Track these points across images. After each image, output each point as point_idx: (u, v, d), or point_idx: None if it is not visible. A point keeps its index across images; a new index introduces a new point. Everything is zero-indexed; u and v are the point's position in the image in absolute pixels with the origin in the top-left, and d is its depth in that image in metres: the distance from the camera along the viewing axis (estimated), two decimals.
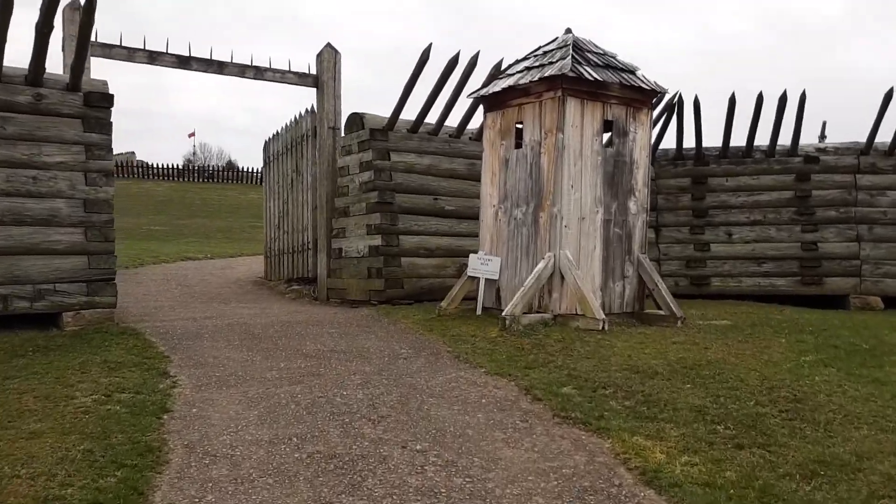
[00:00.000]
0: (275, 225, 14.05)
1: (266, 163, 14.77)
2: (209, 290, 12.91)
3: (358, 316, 9.25)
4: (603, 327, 7.60)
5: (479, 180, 10.92)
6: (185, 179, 47.68)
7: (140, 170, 47.73)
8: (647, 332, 7.75)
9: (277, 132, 13.95)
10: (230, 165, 58.75)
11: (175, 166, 48.00)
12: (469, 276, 8.88)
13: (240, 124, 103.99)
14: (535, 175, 8.29)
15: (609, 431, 4.78)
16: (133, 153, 52.91)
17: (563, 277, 8.02)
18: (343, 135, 11.24)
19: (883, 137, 12.49)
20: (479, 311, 8.80)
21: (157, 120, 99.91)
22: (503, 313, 7.76)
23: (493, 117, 8.92)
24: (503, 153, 8.74)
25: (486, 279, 8.79)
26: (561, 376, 6.08)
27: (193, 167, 51.76)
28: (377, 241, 10.24)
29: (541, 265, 8.00)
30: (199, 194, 42.17)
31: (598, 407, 5.28)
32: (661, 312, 8.55)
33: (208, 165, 54.05)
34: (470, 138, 11.40)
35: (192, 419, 4.95)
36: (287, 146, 13.23)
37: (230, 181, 48.44)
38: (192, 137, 75.46)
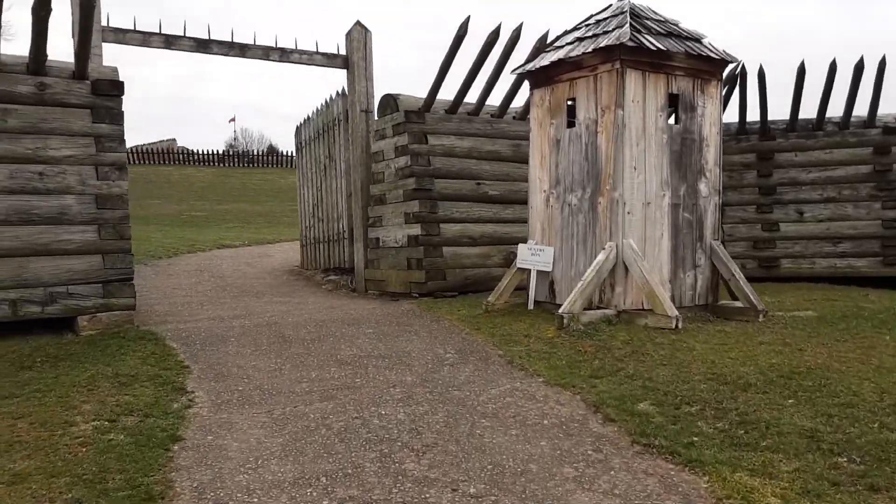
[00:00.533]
0: (309, 213, 13.36)
1: (298, 149, 14.06)
2: (243, 281, 12.28)
3: (398, 312, 8.48)
4: (676, 325, 6.70)
5: (524, 163, 10.04)
6: (227, 165, 47.64)
7: (182, 156, 47.79)
8: (727, 330, 6.82)
9: (309, 117, 13.21)
10: (271, 150, 58.66)
11: (216, 152, 47.93)
12: (518, 268, 8.03)
13: (281, 109, 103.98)
14: (591, 157, 7.37)
15: (703, 465, 3.92)
16: (174, 140, 53.08)
17: (626, 269, 7.11)
18: (376, 118, 10.44)
19: None
20: (530, 306, 7.96)
21: (199, 106, 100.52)
22: (560, 310, 6.90)
23: (541, 94, 8.01)
24: (553, 133, 7.84)
25: (538, 271, 7.93)
26: (634, 388, 5.23)
27: (234, 152, 51.71)
28: (416, 230, 9.44)
29: (601, 256, 7.11)
30: (239, 179, 41.99)
31: (686, 430, 4.42)
32: (738, 304, 7.60)
33: (249, 150, 53.97)
34: (514, 118, 10.50)
35: (206, 450, 4.22)
36: (318, 131, 12.48)
37: (271, 165, 48.29)
38: (233, 123, 75.67)
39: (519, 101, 10.41)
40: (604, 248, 7.16)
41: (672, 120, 7.52)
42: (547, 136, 7.91)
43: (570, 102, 7.71)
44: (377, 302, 9.53)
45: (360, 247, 10.63)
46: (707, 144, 7.62)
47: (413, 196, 9.50)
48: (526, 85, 8.51)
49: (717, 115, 7.71)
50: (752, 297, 7.40)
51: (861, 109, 11.72)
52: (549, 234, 7.91)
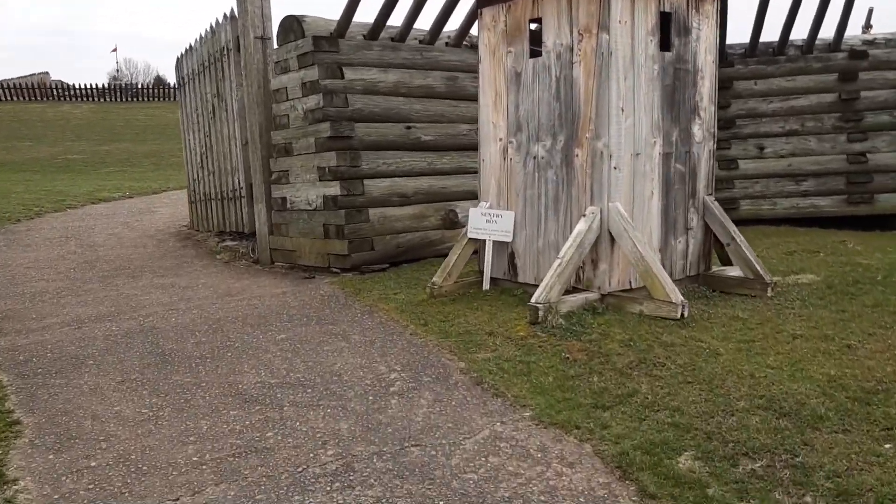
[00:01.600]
0: (197, 164, 11.15)
1: (180, 85, 11.70)
2: (118, 252, 10.09)
3: (316, 298, 6.70)
4: (682, 314, 5.24)
5: (462, 100, 8.28)
6: (108, 100, 43.51)
7: (56, 91, 43.20)
8: (741, 316, 5.41)
9: (191, 46, 10.86)
10: (158, 82, 54.26)
11: (95, 86, 43.55)
12: (470, 238, 6.36)
13: (170, 36, 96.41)
14: (564, 96, 5.68)
15: None
16: (47, 73, 48.12)
17: (612, 241, 5.56)
18: (276, 47, 8.32)
19: None
20: (486, 286, 6.35)
21: (77, 38, 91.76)
22: (532, 299, 5.31)
23: (494, 14, 6.19)
24: (511, 65, 6.07)
25: (495, 242, 6.29)
26: (662, 427, 3.74)
27: (116, 86, 47.24)
28: (334, 189, 7.56)
29: (582, 226, 5.51)
30: (122, 115, 38.20)
31: None
32: (734, 273, 6.24)
33: (133, 83, 49.54)
34: (447, 44, 8.62)
35: None
36: (203, 64, 10.20)
37: (158, 99, 44.45)
38: (115, 53, 69.35)
39: (453, 24, 8.53)
40: (584, 215, 5.57)
41: (662, 47, 5.90)
42: (503, 69, 6.14)
43: (533, 25, 5.94)
44: (288, 281, 7.67)
45: (261, 209, 8.66)
46: (702, 76, 6.07)
47: (328, 146, 7.57)
48: (466, 2, 6.67)
49: (712, 39, 6.14)
50: (757, 266, 6.02)
51: (827, 32, 10.48)
52: (509, 194, 6.25)
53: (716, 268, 6.52)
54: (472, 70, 7.88)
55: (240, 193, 9.36)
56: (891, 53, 10.47)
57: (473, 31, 8.36)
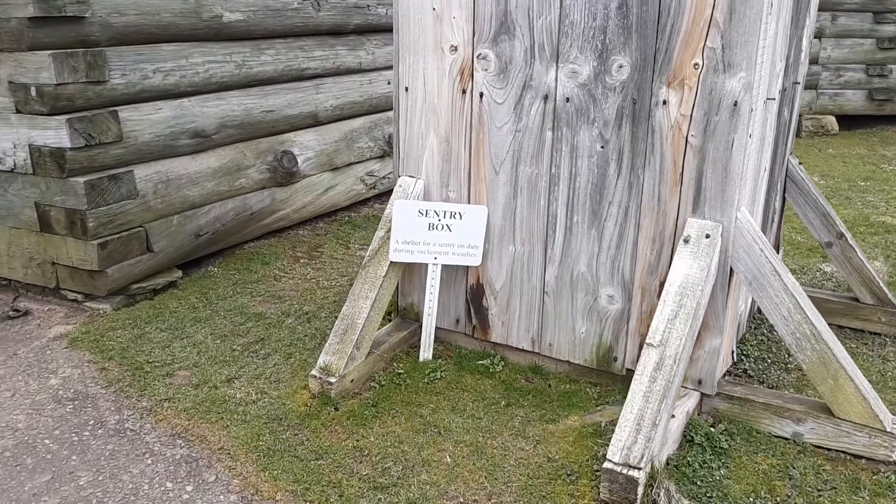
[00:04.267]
0: None
1: None
2: None
3: (32, 410, 3.03)
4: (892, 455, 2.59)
5: None
6: None
7: None
8: None
9: None
10: None
11: None
12: (393, 263, 3.05)
13: None
14: None
15: None
16: None
17: (727, 289, 2.66)
18: None
19: None
20: (424, 354, 3.17)
21: None
22: (612, 458, 2.30)
23: None
24: None
25: (445, 267, 3.08)
26: None
27: None
28: (56, 131, 3.56)
29: (691, 262, 2.51)
30: None
31: None
32: (825, 295, 3.75)
33: None
34: None
35: None
36: None
37: None
38: None
39: None
40: (685, 237, 2.56)
41: None
42: None
43: None
44: None
45: None
46: None
47: (34, 38, 3.49)
48: None
49: None
50: (886, 289, 3.54)
51: None
52: (474, 170, 2.99)
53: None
54: None
55: None
56: None
57: None
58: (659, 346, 2.43)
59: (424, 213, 2.98)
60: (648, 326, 2.70)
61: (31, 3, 3.30)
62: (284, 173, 4.62)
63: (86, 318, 3.63)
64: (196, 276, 4.07)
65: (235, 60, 4.37)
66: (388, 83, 5.54)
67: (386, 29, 5.51)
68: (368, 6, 5.32)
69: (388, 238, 3.04)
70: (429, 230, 2.99)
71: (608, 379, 2.94)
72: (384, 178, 5.62)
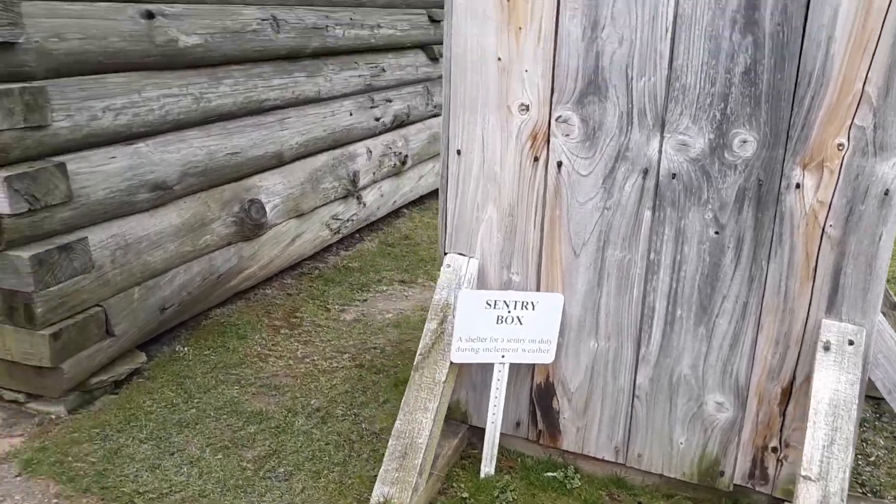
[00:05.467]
0: None
1: None
2: None
3: None
4: None
5: None
6: None
7: None
8: None
9: None
10: None
11: None
12: (453, 364, 2.53)
13: None
14: (772, 29, 2.10)
15: None
16: None
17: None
18: None
19: None
20: (487, 469, 2.67)
21: None
22: None
23: None
24: None
25: (514, 366, 2.60)
26: None
27: None
28: None
29: (836, 377, 2.17)
30: None
31: None
32: None
33: None
34: None
35: None
36: None
37: None
38: None
39: None
40: (825, 344, 2.22)
41: None
42: None
43: None
44: None
45: None
46: None
47: None
48: None
49: None
50: None
51: None
52: (547, 251, 2.53)
53: None
54: None
55: None
56: None
57: None
58: (818, 479, 2.07)
59: (493, 304, 2.49)
60: (765, 438, 2.35)
61: None
62: (252, 225, 3.95)
63: (35, 426, 2.86)
64: (163, 359, 3.35)
65: (192, 93, 3.66)
66: (351, 114, 4.94)
67: (343, 52, 4.94)
68: (327, 27, 4.72)
69: (443, 332, 2.52)
70: (497, 324, 2.50)
71: (710, 495, 2.56)
72: (348, 220, 5.02)
